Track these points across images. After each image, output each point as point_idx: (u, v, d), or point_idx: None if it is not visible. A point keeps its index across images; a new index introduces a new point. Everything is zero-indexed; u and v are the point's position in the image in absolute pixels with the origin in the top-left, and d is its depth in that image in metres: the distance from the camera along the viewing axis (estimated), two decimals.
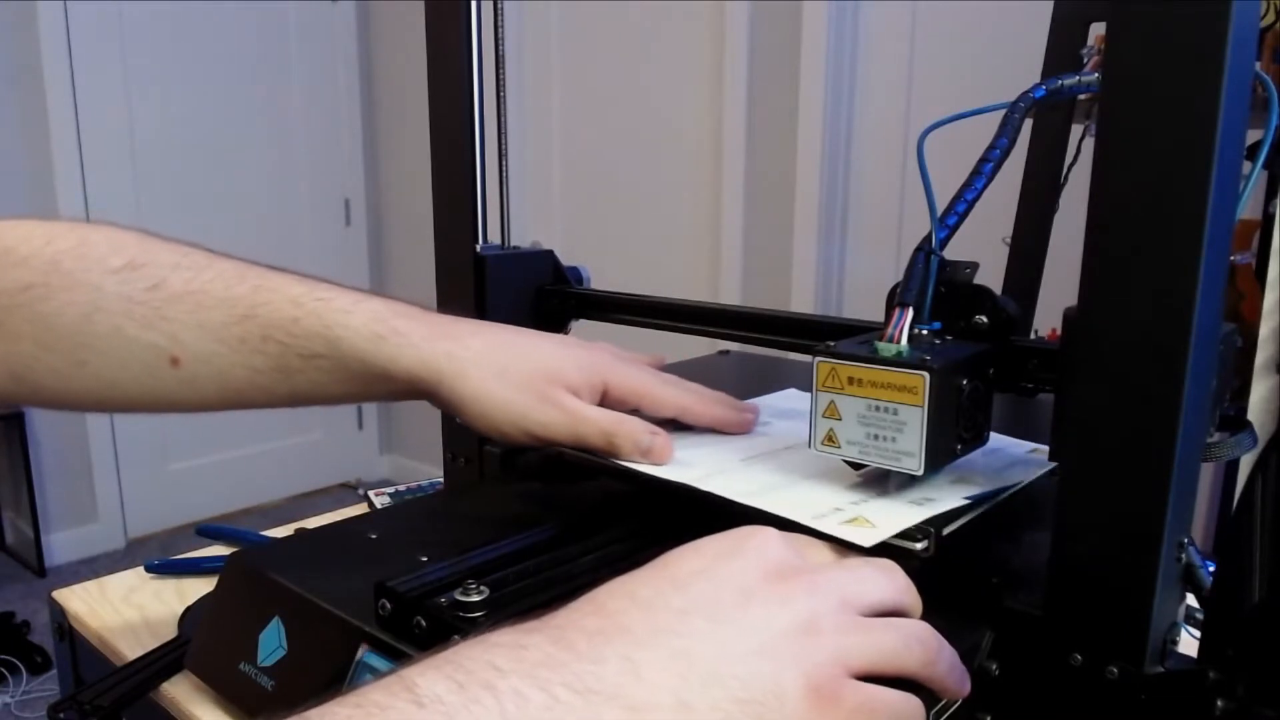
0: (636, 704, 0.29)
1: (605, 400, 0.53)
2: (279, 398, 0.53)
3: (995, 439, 0.52)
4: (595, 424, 0.51)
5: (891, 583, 0.36)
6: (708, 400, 0.56)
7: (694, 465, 0.49)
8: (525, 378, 0.52)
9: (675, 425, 0.54)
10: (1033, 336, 0.81)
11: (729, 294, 2.32)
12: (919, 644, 0.34)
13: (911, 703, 0.33)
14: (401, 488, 0.89)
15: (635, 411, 0.53)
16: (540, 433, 0.51)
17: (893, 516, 0.41)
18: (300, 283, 0.53)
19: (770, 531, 0.36)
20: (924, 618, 0.36)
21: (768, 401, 0.62)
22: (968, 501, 0.43)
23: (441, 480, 0.72)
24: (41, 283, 0.50)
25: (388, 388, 0.52)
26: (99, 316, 0.50)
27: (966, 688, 0.36)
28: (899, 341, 0.43)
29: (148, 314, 0.50)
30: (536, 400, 0.51)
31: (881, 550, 0.39)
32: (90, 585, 0.71)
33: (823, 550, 0.39)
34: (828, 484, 0.46)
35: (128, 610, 0.67)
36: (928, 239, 0.44)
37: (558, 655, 0.29)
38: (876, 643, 0.33)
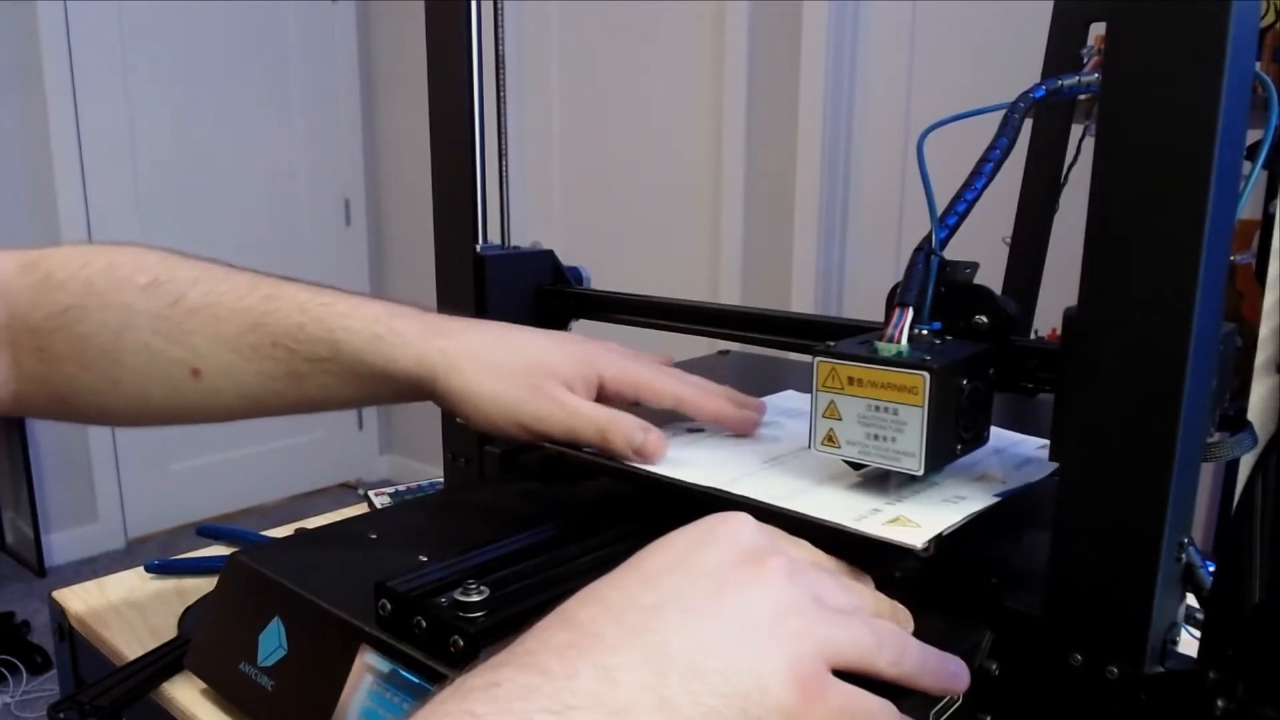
0: (617, 709, 0.28)
1: (602, 393, 0.54)
2: (293, 403, 0.54)
3: (1001, 435, 0.52)
4: (588, 418, 0.51)
5: (863, 583, 0.37)
6: (707, 392, 0.55)
7: (719, 469, 0.49)
8: (518, 371, 0.52)
9: (698, 430, 0.54)
10: (1033, 336, 0.81)
11: (729, 294, 2.32)
12: (888, 643, 0.34)
13: (889, 710, 0.32)
14: (401, 488, 0.89)
15: (635, 405, 0.53)
16: (534, 425, 0.51)
17: (934, 515, 0.41)
18: (306, 289, 0.54)
19: (743, 517, 0.36)
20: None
21: (770, 403, 0.62)
22: (999, 499, 0.43)
23: (441, 480, 0.72)
24: (78, 304, 0.52)
25: (390, 388, 0.53)
26: (128, 334, 0.52)
27: (960, 684, 0.35)
28: (899, 341, 0.43)
29: (171, 329, 0.52)
30: (529, 393, 0.51)
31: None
32: (90, 585, 0.71)
33: (801, 544, 0.39)
34: (856, 485, 0.45)
35: (128, 610, 0.67)
36: (928, 239, 0.44)
37: (531, 683, 0.29)
38: (855, 638, 0.33)
